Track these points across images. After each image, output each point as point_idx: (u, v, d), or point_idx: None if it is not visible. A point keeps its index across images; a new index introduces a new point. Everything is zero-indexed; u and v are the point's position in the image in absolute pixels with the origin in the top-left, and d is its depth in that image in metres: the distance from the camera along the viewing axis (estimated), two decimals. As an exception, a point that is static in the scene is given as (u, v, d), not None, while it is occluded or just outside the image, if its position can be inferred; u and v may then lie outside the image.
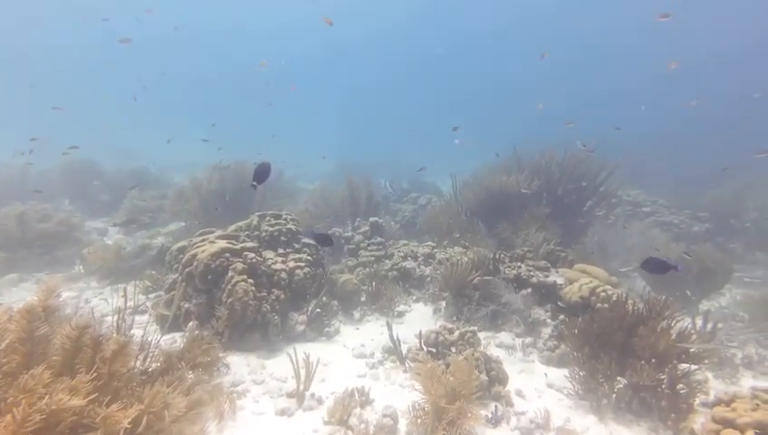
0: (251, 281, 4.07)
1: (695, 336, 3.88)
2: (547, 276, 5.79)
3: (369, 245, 7.12)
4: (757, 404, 2.56)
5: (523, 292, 5.50)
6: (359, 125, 52.92)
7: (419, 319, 5.71)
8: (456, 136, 9.86)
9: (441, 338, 4.42)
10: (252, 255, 4.27)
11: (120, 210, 9.08)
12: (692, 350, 3.64)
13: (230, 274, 4.00)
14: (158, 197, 9.24)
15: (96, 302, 5.38)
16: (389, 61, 58.26)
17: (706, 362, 4.14)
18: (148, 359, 2.75)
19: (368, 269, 6.37)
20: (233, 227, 5.12)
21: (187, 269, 3.97)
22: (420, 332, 4.42)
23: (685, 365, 3.58)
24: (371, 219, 7.56)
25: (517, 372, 4.39)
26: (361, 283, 6.00)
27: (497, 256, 6.13)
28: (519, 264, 6.10)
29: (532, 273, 5.81)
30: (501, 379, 4.03)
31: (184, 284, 3.85)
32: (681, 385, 3.52)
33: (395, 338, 4.46)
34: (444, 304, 5.92)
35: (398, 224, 9.61)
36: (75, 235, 7.10)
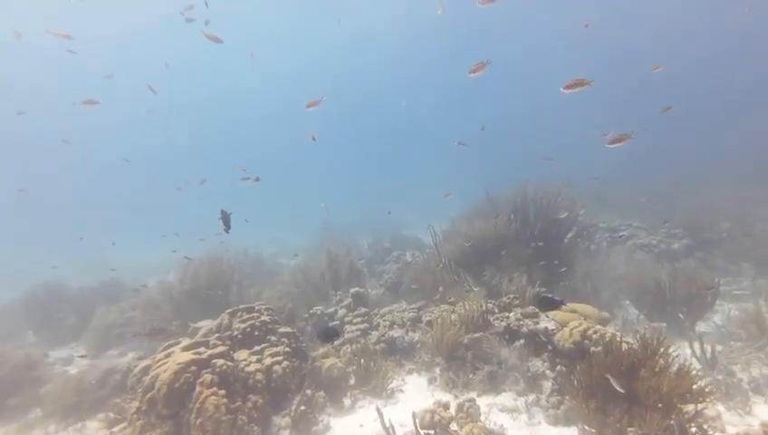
0: (222, 392, 3.76)
1: (696, 369, 3.69)
2: (537, 323, 5.58)
3: (353, 318, 6.85)
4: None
5: (516, 344, 5.26)
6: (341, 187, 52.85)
7: (415, 393, 5.33)
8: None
9: (437, 417, 4.11)
10: (221, 361, 3.99)
11: (88, 332, 8.52)
12: (695, 386, 3.43)
13: (198, 389, 3.69)
14: (127, 308, 8.66)
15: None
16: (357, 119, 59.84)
17: (715, 395, 3.91)
18: None
19: (354, 345, 6.05)
20: (202, 331, 4.85)
21: (147, 395, 3.65)
22: (414, 413, 4.09)
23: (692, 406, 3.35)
24: (352, 290, 7.35)
25: (524, 439, 4.06)
26: (349, 363, 5.66)
27: (486, 308, 5.93)
28: (507, 314, 5.91)
29: (521, 322, 5.60)
30: (507, 454, 3.71)
31: (139, 418, 3.50)
32: (694, 428, 3.28)
33: (387, 425, 4.11)
34: (438, 370, 5.59)
35: (383, 287, 9.37)
36: (33, 374, 6.42)
